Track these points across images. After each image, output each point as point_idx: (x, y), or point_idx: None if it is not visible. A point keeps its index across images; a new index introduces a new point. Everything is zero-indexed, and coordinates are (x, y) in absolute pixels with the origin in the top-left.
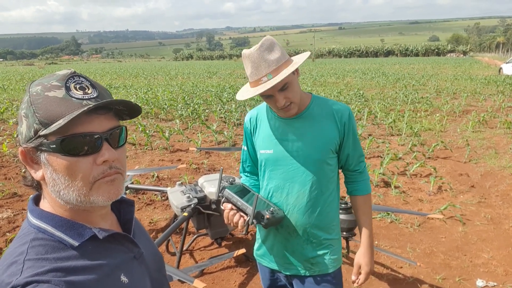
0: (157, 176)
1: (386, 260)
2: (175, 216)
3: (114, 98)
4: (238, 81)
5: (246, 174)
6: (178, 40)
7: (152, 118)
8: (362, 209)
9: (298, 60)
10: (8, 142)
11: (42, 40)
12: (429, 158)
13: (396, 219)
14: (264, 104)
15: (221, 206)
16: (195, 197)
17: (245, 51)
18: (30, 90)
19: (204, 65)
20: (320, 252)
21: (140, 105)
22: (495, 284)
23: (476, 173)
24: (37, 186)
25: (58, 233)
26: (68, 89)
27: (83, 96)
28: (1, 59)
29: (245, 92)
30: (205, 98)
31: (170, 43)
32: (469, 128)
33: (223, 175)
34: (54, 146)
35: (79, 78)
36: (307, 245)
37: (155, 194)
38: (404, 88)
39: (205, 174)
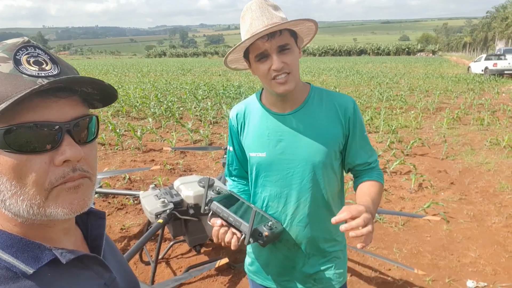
0: (129, 178)
1: (374, 262)
2: (149, 223)
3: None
4: (213, 78)
5: (233, 178)
6: (151, 37)
7: (123, 117)
8: (368, 191)
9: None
10: None
11: (6, 36)
12: (407, 155)
13: (380, 219)
14: (253, 98)
15: (209, 222)
16: (171, 202)
17: (246, 5)
18: None
19: (178, 62)
20: (324, 267)
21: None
22: (485, 284)
23: (454, 170)
24: None
25: (6, 257)
26: (17, 62)
27: (38, 73)
28: None
29: (234, 50)
30: (179, 96)
31: (142, 40)
32: (444, 125)
33: (199, 176)
34: None
35: (34, 49)
36: (309, 259)
37: (127, 198)
38: (378, 86)
39: (181, 175)
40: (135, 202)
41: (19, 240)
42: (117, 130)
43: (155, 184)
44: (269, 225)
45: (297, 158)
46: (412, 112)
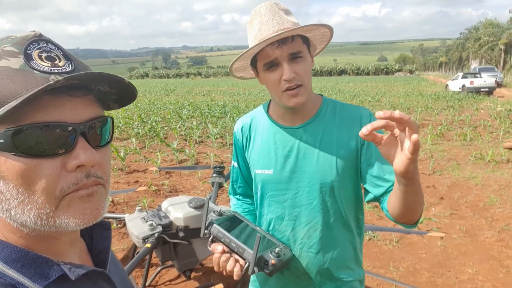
0: (112, 201)
1: (372, 282)
2: (135, 247)
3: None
4: (197, 98)
5: (237, 196)
6: (133, 58)
7: None
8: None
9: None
10: None
11: None
12: None
13: (374, 236)
14: (259, 109)
15: (209, 247)
16: (159, 225)
17: (255, 8)
18: None
19: (161, 83)
20: None
21: None
22: None
23: (442, 185)
24: None
25: (11, 273)
26: (28, 57)
27: (51, 69)
28: None
29: (240, 57)
30: (163, 116)
31: (124, 61)
32: (428, 141)
33: (189, 197)
34: (2, 141)
35: (47, 44)
36: None
37: (110, 221)
38: (361, 104)
39: (166, 196)
40: (119, 225)
41: (25, 253)
42: None
43: (141, 206)
44: (276, 251)
45: (307, 176)
46: None
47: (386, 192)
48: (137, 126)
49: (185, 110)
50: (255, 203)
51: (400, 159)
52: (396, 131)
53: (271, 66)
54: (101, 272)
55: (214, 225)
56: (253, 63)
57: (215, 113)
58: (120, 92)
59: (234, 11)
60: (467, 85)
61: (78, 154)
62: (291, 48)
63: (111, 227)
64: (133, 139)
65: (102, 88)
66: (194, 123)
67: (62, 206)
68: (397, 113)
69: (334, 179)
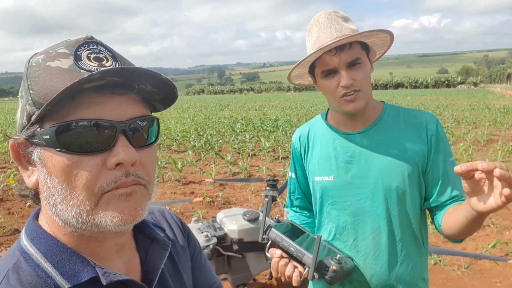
0: None
1: None
2: None
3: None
4: (250, 113)
5: (294, 209)
6: (190, 76)
7: (164, 150)
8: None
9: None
10: (15, 175)
11: None
12: None
13: (440, 260)
14: (317, 118)
15: (267, 253)
16: (214, 236)
17: (314, 17)
18: (31, 60)
19: (216, 99)
20: None
21: None
22: None
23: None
24: (35, 196)
25: (46, 266)
26: (78, 58)
27: (97, 68)
28: None
29: (299, 65)
30: (218, 129)
31: (182, 78)
32: (498, 158)
33: (243, 209)
34: (47, 137)
35: (97, 46)
36: None
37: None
38: None
39: (220, 208)
40: None
41: (65, 250)
42: (159, 163)
43: (196, 217)
44: (337, 258)
45: (371, 182)
46: (461, 144)
47: (447, 201)
48: (194, 139)
49: (239, 124)
50: (314, 212)
51: (487, 202)
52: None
53: (329, 73)
54: (141, 286)
55: (272, 229)
56: (311, 70)
57: (267, 127)
58: (162, 91)
59: (287, 28)
60: None
61: (117, 152)
62: (349, 56)
63: (169, 248)
64: (190, 152)
65: (144, 87)
66: (247, 136)
67: (101, 204)
68: (497, 171)
69: (400, 185)
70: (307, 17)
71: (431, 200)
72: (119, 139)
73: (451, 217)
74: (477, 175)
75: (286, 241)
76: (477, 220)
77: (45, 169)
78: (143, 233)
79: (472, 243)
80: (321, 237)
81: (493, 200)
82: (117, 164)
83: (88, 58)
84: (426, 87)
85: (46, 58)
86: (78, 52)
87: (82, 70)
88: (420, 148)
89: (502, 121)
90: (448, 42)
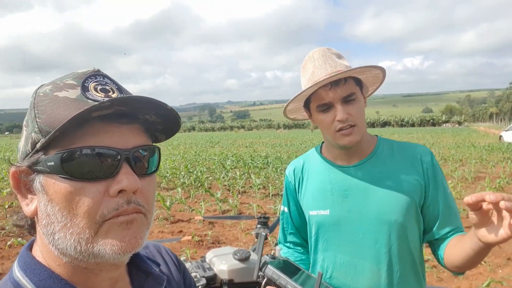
0: None
1: None
2: None
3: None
4: (240, 150)
5: (287, 244)
6: (181, 113)
7: None
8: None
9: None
10: None
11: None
12: None
13: None
14: (312, 152)
15: None
16: (203, 277)
17: (308, 54)
18: (38, 91)
19: (206, 136)
20: None
21: None
22: None
23: (509, 244)
24: (31, 226)
25: None
26: (85, 89)
27: (103, 99)
28: (7, 132)
29: (294, 99)
30: (208, 166)
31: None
32: None
33: (233, 248)
34: (52, 163)
35: (103, 78)
36: None
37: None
38: None
39: (209, 248)
40: None
41: (58, 281)
42: None
43: (184, 257)
44: None
45: (368, 216)
46: (449, 181)
47: (448, 233)
48: (183, 176)
49: (229, 161)
50: (309, 247)
51: (496, 233)
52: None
53: (325, 108)
54: None
55: (268, 266)
56: (306, 104)
57: (257, 164)
58: (165, 121)
59: (277, 68)
60: None
61: (121, 179)
62: (344, 91)
63: (164, 283)
64: (179, 189)
65: (149, 117)
66: (238, 173)
67: (101, 231)
68: (502, 204)
69: (398, 218)
70: (296, 58)
71: (432, 233)
72: (122, 167)
73: (455, 249)
74: (485, 206)
75: (284, 279)
76: (484, 252)
77: (46, 196)
78: (138, 267)
79: (466, 282)
80: (322, 274)
81: (503, 231)
82: (120, 192)
83: (95, 89)
84: (412, 125)
85: (54, 89)
86: (85, 84)
87: (89, 100)
88: (416, 181)
89: (488, 159)
90: (432, 83)
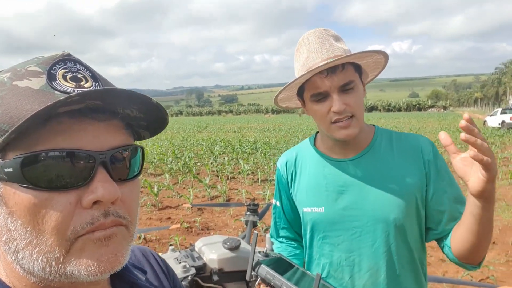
0: (144, 238)
1: None
2: None
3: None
4: (229, 135)
5: (280, 239)
6: (168, 97)
7: None
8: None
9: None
10: None
11: None
12: None
13: None
14: (305, 143)
15: None
16: (193, 266)
17: (303, 35)
18: None
19: (194, 121)
20: None
21: None
22: None
23: (493, 228)
24: None
25: None
26: (52, 77)
27: (74, 90)
28: None
29: (286, 88)
30: (196, 152)
31: (160, 100)
32: None
33: (223, 236)
34: (10, 170)
35: (75, 64)
36: None
37: None
38: None
39: (198, 234)
40: None
41: None
42: None
43: (173, 245)
44: None
45: (366, 214)
46: None
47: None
48: (171, 162)
49: (217, 146)
50: (304, 244)
51: (477, 177)
52: (471, 152)
53: (319, 97)
54: None
55: (262, 265)
56: (300, 92)
57: (246, 149)
58: (149, 117)
59: (266, 52)
60: (507, 120)
61: (95, 188)
62: (342, 79)
63: None
64: (167, 175)
65: (129, 112)
66: (226, 159)
67: (74, 250)
68: (462, 135)
69: (398, 216)
70: (285, 41)
71: (439, 230)
72: (97, 173)
73: (458, 231)
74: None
75: (279, 279)
76: (482, 211)
77: (6, 209)
78: (121, 278)
79: (453, 266)
80: (320, 276)
81: (480, 172)
82: (95, 203)
83: (64, 77)
84: (399, 110)
85: (13, 77)
86: (52, 71)
87: (56, 92)
88: (417, 175)
89: None
90: (419, 67)
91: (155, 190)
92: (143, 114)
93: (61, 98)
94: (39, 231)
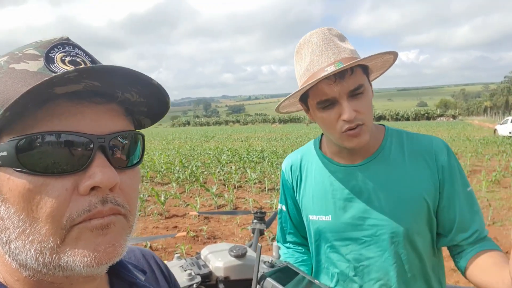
0: (150, 247)
1: None
2: None
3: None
4: (236, 144)
5: (287, 245)
6: (176, 108)
7: (147, 182)
8: (496, 261)
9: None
10: None
11: None
12: None
13: None
14: (309, 146)
15: None
16: (198, 274)
17: (305, 36)
18: None
19: (201, 131)
20: None
21: None
22: None
23: (505, 237)
24: None
25: None
26: (49, 60)
27: None
28: None
29: (291, 96)
30: (203, 161)
31: (168, 111)
32: (483, 188)
33: (230, 244)
34: (4, 153)
35: (73, 48)
36: None
37: None
38: None
39: (204, 243)
40: None
41: None
42: (141, 195)
43: (179, 254)
44: None
45: (375, 223)
46: None
47: (468, 238)
48: (178, 171)
49: (224, 155)
50: (311, 252)
51: None
52: None
53: (327, 104)
54: None
55: (267, 279)
56: (303, 98)
57: (253, 158)
58: (150, 101)
59: (272, 62)
60: None
61: (93, 173)
62: (352, 84)
63: None
64: (174, 184)
65: (130, 96)
66: (233, 168)
67: (69, 239)
68: None
69: (409, 226)
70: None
71: (450, 238)
72: (96, 158)
73: (479, 274)
74: None
75: None
76: None
77: None
78: (120, 277)
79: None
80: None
81: None
82: (92, 189)
83: (63, 61)
84: (407, 119)
85: (10, 60)
86: (50, 54)
87: (53, 74)
88: (430, 182)
89: (483, 152)
90: (427, 77)
91: (162, 199)
92: (144, 98)
93: (58, 73)
94: (33, 218)
